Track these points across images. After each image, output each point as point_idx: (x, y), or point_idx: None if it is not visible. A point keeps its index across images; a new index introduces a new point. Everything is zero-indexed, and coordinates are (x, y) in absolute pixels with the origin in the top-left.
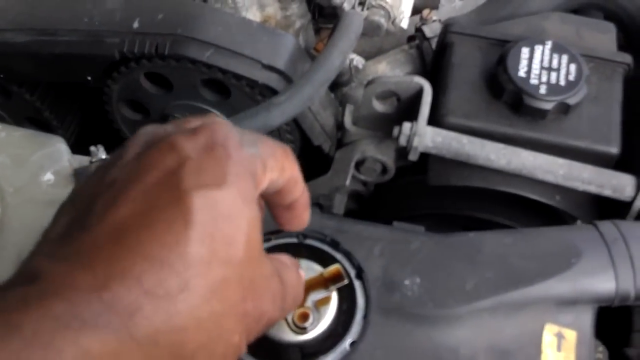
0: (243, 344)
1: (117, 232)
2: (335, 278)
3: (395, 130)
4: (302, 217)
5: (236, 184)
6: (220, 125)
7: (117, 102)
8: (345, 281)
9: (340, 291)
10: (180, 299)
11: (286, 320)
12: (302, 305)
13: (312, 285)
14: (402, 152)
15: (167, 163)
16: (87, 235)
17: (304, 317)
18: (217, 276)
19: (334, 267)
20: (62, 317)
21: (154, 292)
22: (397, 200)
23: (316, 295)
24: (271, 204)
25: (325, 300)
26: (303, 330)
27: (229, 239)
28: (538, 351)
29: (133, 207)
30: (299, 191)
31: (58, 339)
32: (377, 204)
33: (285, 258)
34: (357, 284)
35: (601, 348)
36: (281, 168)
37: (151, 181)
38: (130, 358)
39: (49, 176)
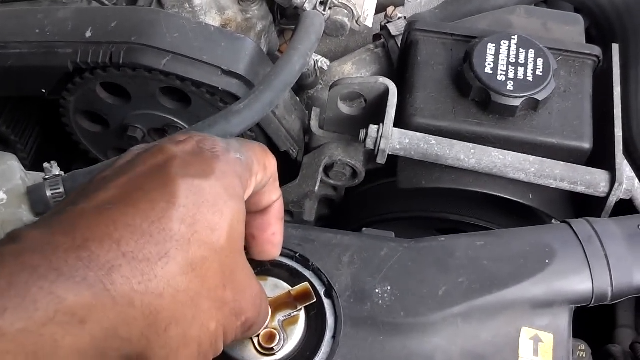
0: (220, 337)
1: (102, 207)
2: (303, 296)
3: (362, 133)
4: (275, 229)
5: (222, 179)
6: (207, 135)
7: (75, 114)
8: (314, 300)
9: (308, 310)
10: (159, 265)
11: (252, 340)
12: (268, 325)
13: (279, 305)
14: (371, 155)
15: (155, 160)
16: (73, 209)
17: (271, 337)
18: (197, 254)
19: (302, 286)
20: (39, 268)
21: (133, 255)
22: (368, 205)
23: (283, 315)
24: (247, 210)
25: (293, 320)
26: (270, 352)
27: (212, 225)
28: (515, 355)
29: (119, 190)
30: (277, 192)
31: (33, 288)
32: (348, 209)
33: None
34: (326, 303)
35: (584, 346)
36: (264, 167)
37: (139, 172)
38: (104, 313)
39: (1, 195)
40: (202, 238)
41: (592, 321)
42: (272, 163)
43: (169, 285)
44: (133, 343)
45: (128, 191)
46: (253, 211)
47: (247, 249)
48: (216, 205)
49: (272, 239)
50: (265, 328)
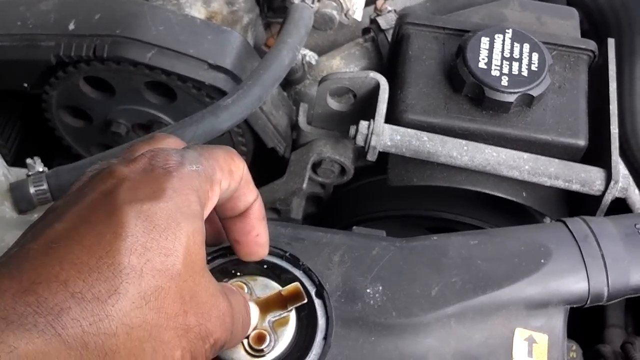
0: None
1: (48, 246)
2: (294, 297)
3: (352, 130)
4: (259, 230)
5: (174, 199)
6: (161, 150)
7: (57, 109)
8: (305, 300)
9: (299, 311)
10: (109, 303)
11: (242, 342)
12: (258, 326)
13: (269, 305)
14: (360, 152)
15: (104, 186)
16: (20, 251)
17: (261, 338)
18: (150, 285)
19: (292, 286)
20: None
21: (82, 296)
22: (357, 203)
23: (274, 315)
24: (225, 217)
25: (284, 321)
26: (260, 353)
27: (165, 250)
28: (509, 357)
29: (66, 224)
30: (252, 193)
31: None
32: (337, 206)
33: (227, 284)
34: (317, 303)
35: (574, 346)
36: (229, 172)
37: (87, 202)
38: (59, 359)
39: None
40: (156, 266)
41: (581, 321)
42: (239, 166)
43: (123, 323)
44: None
45: (75, 225)
46: (231, 216)
47: (234, 253)
48: (168, 228)
49: (257, 240)
50: (255, 329)
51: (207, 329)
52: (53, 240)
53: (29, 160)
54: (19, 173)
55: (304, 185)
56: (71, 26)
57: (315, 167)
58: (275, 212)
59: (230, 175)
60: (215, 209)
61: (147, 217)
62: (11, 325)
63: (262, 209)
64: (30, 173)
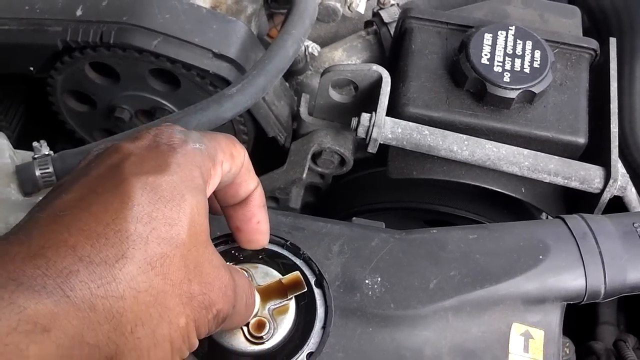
0: (192, 332)
1: (56, 214)
2: (294, 285)
3: (354, 122)
4: (260, 217)
5: (179, 173)
6: (165, 127)
7: (62, 93)
8: (305, 289)
9: (298, 300)
10: (117, 267)
11: (242, 329)
12: (259, 313)
13: (269, 293)
14: (360, 144)
15: (111, 160)
16: (29, 220)
17: (261, 326)
18: (156, 251)
19: (293, 274)
20: None
21: (90, 259)
22: (356, 194)
23: (274, 304)
24: (227, 204)
25: (283, 309)
26: (259, 340)
27: (170, 220)
28: (505, 351)
29: (74, 195)
30: (253, 181)
31: None
32: (335, 197)
33: (231, 264)
34: (317, 292)
35: (568, 343)
36: (230, 156)
37: (94, 174)
38: (67, 320)
39: None
40: (161, 234)
41: (573, 317)
42: (240, 152)
43: (130, 287)
44: (101, 348)
45: (82, 196)
46: (233, 203)
47: (235, 240)
48: (173, 199)
49: (258, 227)
50: (255, 316)
51: (210, 298)
52: (61, 209)
53: (35, 143)
54: (24, 156)
55: (304, 175)
56: (78, 12)
57: (315, 157)
58: (274, 200)
59: (231, 159)
60: (217, 196)
61: (152, 188)
62: (21, 286)
63: (262, 197)
64: (36, 156)
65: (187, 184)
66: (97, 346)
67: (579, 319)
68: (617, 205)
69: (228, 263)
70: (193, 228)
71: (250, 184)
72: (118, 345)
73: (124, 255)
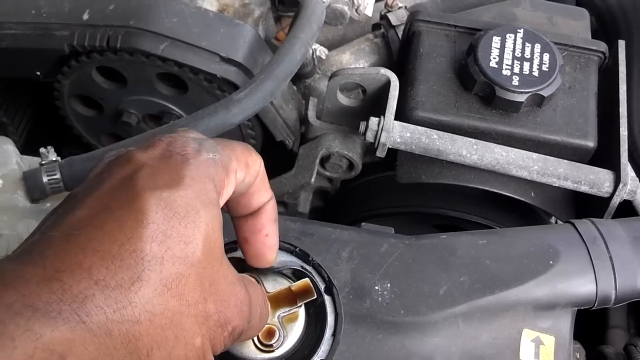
0: (207, 350)
1: (69, 233)
2: (304, 293)
3: (362, 126)
4: (269, 230)
5: (193, 187)
6: (178, 135)
7: (69, 97)
8: (314, 296)
9: (308, 307)
10: (132, 290)
11: None
12: (268, 321)
13: (279, 300)
14: (369, 148)
15: (123, 172)
16: (42, 238)
17: (271, 334)
18: (171, 272)
19: (302, 282)
20: (14, 305)
21: (105, 283)
22: (364, 198)
23: (283, 311)
24: (238, 214)
25: (293, 317)
26: (269, 348)
27: (185, 238)
28: (516, 358)
29: (87, 211)
30: (267, 193)
31: (10, 325)
32: (344, 201)
33: (245, 275)
34: (326, 299)
35: (578, 347)
36: (245, 165)
37: (107, 188)
38: (83, 347)
39: None
40: (176, 254)
41: (583, 321)
42: (256, 161)
43: (145, 310)
44: None
45: (96, 212)
46: (244, 214)
47: (242, 254)
48: (188, 216)
49: (266, 240)
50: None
51: (226, 316)
52: (75, 227)
53: (42, 149)
54: (31, 162)
55: (312, 180)
56: (85, 16)
57: (324, 161)
58: (283, 205)
59: (246, 168)
60: (228, 205)
61: (167, 204)
62: (37, 313)
63: (275, 211)
64: (43, 162)
65: (202, 199)
66: None
67: (589, 323)
68: (627, 209)
69: (240, 274)
70: (208, 245)
71: (263, 195)
72: None
73: (139, 277)
